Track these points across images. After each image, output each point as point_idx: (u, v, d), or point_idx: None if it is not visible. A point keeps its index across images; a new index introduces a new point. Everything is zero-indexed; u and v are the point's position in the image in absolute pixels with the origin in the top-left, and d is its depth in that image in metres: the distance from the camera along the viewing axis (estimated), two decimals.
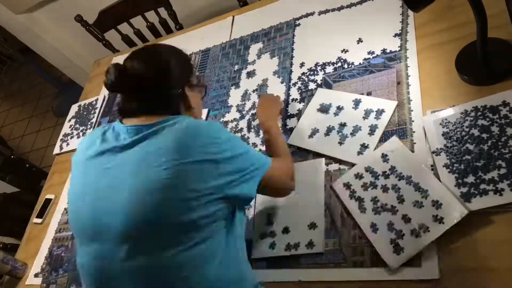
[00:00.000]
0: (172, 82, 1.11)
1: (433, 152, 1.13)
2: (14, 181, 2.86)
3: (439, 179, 1.08)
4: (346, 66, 1.48)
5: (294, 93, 1.53)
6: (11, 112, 4.55)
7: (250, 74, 1.70)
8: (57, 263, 1.62)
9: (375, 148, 1.24)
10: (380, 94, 1.34)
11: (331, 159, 1.30)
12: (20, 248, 1.83)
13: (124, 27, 2.41)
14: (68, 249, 1.64)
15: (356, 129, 1.31)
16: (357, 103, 1.35)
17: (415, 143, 1.20)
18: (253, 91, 1.64)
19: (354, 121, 1.33)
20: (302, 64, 1.59)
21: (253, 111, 1.58)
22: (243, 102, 1.63)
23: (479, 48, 1.15)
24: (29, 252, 1.76)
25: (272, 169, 1.08)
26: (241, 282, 1.03)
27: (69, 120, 2.17)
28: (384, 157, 1.19)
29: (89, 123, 2.05)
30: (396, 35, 1.43)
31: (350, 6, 1.62)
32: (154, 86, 1.08)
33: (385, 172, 1.17)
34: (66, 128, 2.14)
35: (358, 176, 1.20)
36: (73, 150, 2.00)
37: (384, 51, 1.42)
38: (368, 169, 1.20)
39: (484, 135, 1.08)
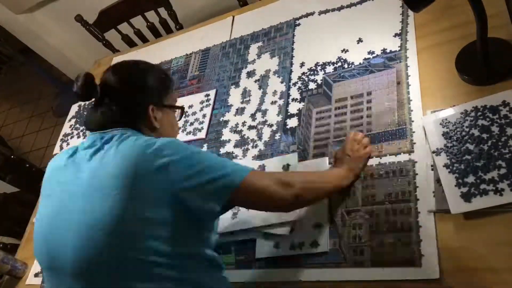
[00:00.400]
0: (136, 100, 1.11)
1: (433, 152, 1.13)
2: (14, 181, 2.86)
3: (439, 178, 1.08)
4: (346, 66, 1.48)
5: (294, 93, 1.53)
6: (11, 112, 4.54)
7: (250, 74, 1.70)
8: None
9: None
10: (380, 94, 1.34)
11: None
12: (20, 248, 1.83)
13: (124, 27, 2.41)
14: None
15: None
16: None
17: (415, 143, 1.20)
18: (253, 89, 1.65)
19: None
20: (302, 64, 1.59)
21: (253, 111, 1.58)
22: (243, 102, 1.63)
23: (479, 48, 1.15)
24: (29, 252, 1.76)
25: (249, 177, 0.99)
26: None
27: (69, 120, 2.17)
28: None
29: None
30: (396, 35, 1.43)
31: (350, 6, 1.62)
32: (118, 98, 1.09)
33: None
34: (66, 128, 2.14)
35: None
36: None
37: (384, 51, 1.42)
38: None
39: (484, 135, 1.08)
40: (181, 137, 1.66)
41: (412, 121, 1.24)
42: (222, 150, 1.54)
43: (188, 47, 2.01)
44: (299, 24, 1.72)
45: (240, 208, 1.29)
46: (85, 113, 2.12)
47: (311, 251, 1.18)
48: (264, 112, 1.55)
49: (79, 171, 1.02)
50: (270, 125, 1.50)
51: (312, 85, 1.51)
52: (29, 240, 1.82)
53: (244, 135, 1.54)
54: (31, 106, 4.41)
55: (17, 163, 2.94)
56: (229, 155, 1.52)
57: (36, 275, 1.66)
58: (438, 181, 1.08)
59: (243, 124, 1.57)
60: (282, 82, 1.59)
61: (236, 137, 1.55)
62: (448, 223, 1.04)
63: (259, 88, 1.63)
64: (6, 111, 4.60)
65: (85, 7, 2.53)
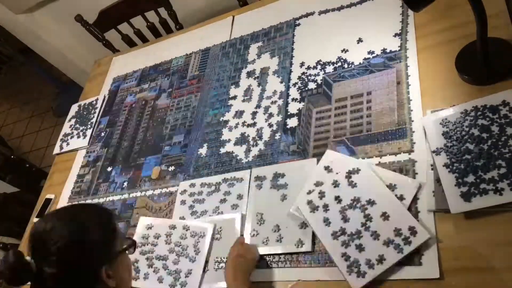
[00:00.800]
0: (83, 272, 0.89)
1: (433, 152, 1.13)
2: (14, 181, 2.86)
3: (439, 178, 1.08)
4: (346, 65, 1.48)
5: (294, 93, 1.53)
6: (11, 112, 4.54)
7: (250, 74, 1.70)
8: None
9: None
10: (380, 94, 1.34)
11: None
12: (20, 248, 1.83)
13: (124, 27, 2.41)
14: None
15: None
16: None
17: (414, 143, 1.20)
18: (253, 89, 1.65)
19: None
20: (302, 64, 1.59)
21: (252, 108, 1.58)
22: (243, 102, 1.63)
23: (479, 48, 1.15)
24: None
25: None
26: None
27: (69, 120, 2.17)
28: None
29: (89, 123, 2.05)
30: (396, 34, 1.43)
31: (350, 5, 1.62)
32: (61, 280, 0.87)
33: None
34: (66, 128, 2.14)
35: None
36: (73, 150, 2.00)
37: (384, 50, 1.42)
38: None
39: (484, 135, 1.08)
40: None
41: (412, 121, 1.24)
42: (222, 150, 1.54)
43: (188, 47, 2.01)
44: (299, 24, 1.72)
45: None
46: (85, 113, 2.12)
47: (295, 250, 1.19)
48: (264, 112, 1.55)
49: None
50: (270, 125, 1.50)
51: (312, 85, 1.51)
52: None
53: (244, 135, 1.54)
54: (31, 106, 4.41)
55: (17, 163, 2.94)
56: (229, 155, 1.52)
57: None
58: (438, 180, 1.08)
59: (243, 124, 1.57)
60: (281, 82, 1.59)
61: (236, 137, 1.55)
62: (448, 223, 1.04)
63: (259, 88, 1.63)
64: (6, 111, 4.60)
65: (85, 7, 2.53)
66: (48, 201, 1.87)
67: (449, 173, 1.07)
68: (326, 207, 1.19)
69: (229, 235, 1.32)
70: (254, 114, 1.57)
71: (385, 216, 1.10)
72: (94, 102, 2.14)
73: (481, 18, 1.06)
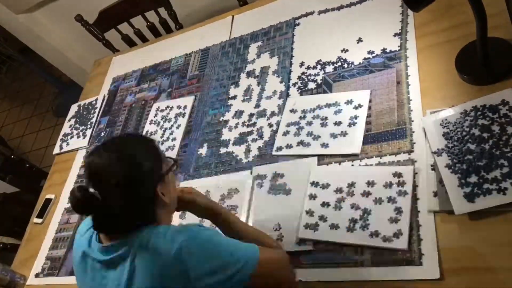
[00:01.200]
0: (144, 189, 1.00)
1: (434, 153, 1.13)
2: (14, 181, 2.86)
3: (441, 179, 1.08)
4: (346, 65, 1.48)
5: (294, 93, 1.53)
6: (11, 112, 4.54)
7: (250, 74, 1.70)
8: None
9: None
10: (380, 94, 1.34)
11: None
12: (20, 248, 1.83)
13: (124, 27, 2.41)
14: None
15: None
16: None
17: (414, 143, 1.20)
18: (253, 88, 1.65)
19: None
20: (301, 64, 1.59)
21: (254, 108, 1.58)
22: (243, 101, 1.63)
23: (479, 47, 1.15)
24: (29, 252, 1.76)
25: (261, 264, 0.99)
26: None
27: (69, 120, 2.17)
28: None
29: (89, 122, 2.05)
30: (396, 34, 1.43)
31: (350, 5, 1.62)
32: (125, 197, 0.97)
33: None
34: (66, 128, 2.14)
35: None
36: (73, 150, 2.00)
37: (384, 50, 1.42)
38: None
39: (485, 135, 1.08)
40: None
41: (412, 121, 1.24)
42: (222, 150, 1.54)
43: (188, 47, 2.01)
44: (298, 24, 1.72)
45: None
46: (84, 113, 2.12)
47: (297, 249, 1.19)
48: (264, 112, 1.55)
49: (101, 279, 1.01)
50: (270, 125, 1.50)
51: (311, 85, 1.51)
52: (29, 240, 1.82)
53: (244, 134, 1.54)
54: (31, 106, 4.41)
55: (17, 163, 2.94)
56: (230, 155, 1.52)
57: (36, 275, 1.66)
58: (440, 181, 1.08)
59: (243, 123, 1.57)
60: (281, 82, 1.59)
61: (236, 136, 1.55)
62: (449, 223, 1.04)
63: (259, 88, 1.63)
64: (6, 111, 4.60)
65: (85, 7, 2.53)
66: (48, 201, 1.87)
67: (452, 173, 1.07)
68: None
69: None
70: (253, 114, 1.57)
71: None
72: (94, 102, 2.14)
73: (481, 18, 1.06)
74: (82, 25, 2.35)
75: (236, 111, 1.62)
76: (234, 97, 1.67)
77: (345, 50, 1.52)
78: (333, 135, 1.35)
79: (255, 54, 1.74)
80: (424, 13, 1.13)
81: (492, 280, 0.94)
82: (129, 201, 0.97)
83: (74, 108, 2.22)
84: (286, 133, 1.43)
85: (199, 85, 1.82)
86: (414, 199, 1.11)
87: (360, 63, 1.45)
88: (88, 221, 1.10)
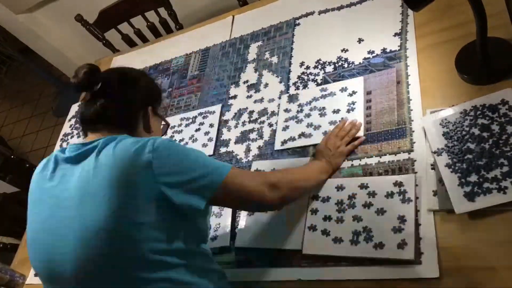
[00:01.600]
0: (137, 96, 1.13)
1: (434, 152, 1.13)
2: (14, 181, 2.85)
3: (441, 178, 1.08)
4: (346, 65, 1.48)
5: (294, 93, 1.53)
6: (11, 112, 4.54)
7: (250, 74, 1.70)
8: None
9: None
10: (380, 93, 1.34)
11: None
12: (20, 247, 1.83)
13: (124, 27, 2.41)
14: None
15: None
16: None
17: (414, 142, 1.20)
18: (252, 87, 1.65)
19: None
20: (301, 64, 1.59)
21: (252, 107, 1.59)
22: (243, 101, 1.64)
23: (479, 47, 1.15)
24: None
25: (231, 176, 1.01)
26: None
27: (69, 120, 2.17)
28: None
29: None
30: (396, 34, 1.43)
31: (350, 5, 1.62)
32: (119, 95, 1.10)
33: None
34: (66, 128, 2.14)
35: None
36: None
37: (384, 50, 1.42)
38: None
39: (485, 134, 1.08)
40: None
41: (412, 121, 1.24)
42: (223, 150, 1.54)
43: (188, 47, 2.01)
44: (299, 24, 1.72)
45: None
46: None
47: (288, 248, 1.19)
48: (264, 111, 1.55)
49: (66, 177, 1.02)
50: (270, 124, 1.50)
51: (311, 85, 1.51)
52: None
53: (244, 134, 1.54)
54: (31, 106, 4.41)
55: (17, 163, 2.93)
56: (230, 154, 1.52)
57: (36, 275, 1.66)
58: (440, 180, 1.08)
59: (243, 123, 1.57)
60: (281, 82, 1.59)
61: (236, 136, 1.55)
62: (448, 222, 1.04)
63: (259, 88, 1.63)
64: (6, 111, 4.60)
65: (85, 7, 2.54)
66: None
67: (452, 173, 1.07)
68: None
69: None
70: (254, 113, 1.57)
71: None
72: None
73: (481, 18, 1.06)
74: (82, 25, 2.36)
75: (236, 111, 1.63)
76: (235, 97, 1.67)
77: (345, 50, 1.52)
78: (333, 123, 1.36)
79: (255, 54, 1.75)
80: (424, 13, 1.14)
81: (492, 279, 0.94)
82: (123, 96, 1.10)
83: (74, 108, 2.22)
84: (285, 128, 1.44)
85: (200, 85, 1.82)
86: (416, 208, 1.10)
87: (360, 63, 1.45)
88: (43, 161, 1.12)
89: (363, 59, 1.45)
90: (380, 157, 1.23)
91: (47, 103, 4.27)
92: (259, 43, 1.77)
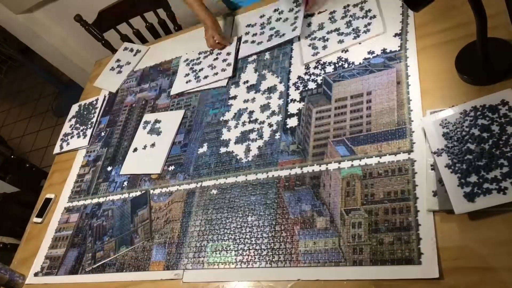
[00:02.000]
0: None
1: (434, 153, 1.13)
2: (14, 181, 2.86)
3: (441, 179, 1.08)
4: (346, 65, 1.48)
5: (294, 93, 1.53)
6: (11, 112, 4.55)
7: (250, 74, 1.70)
8: (99, 233, 1.62)
9: None
10: (380, 94, 1.34)
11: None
12: (20, 247, 1.83)
13: (123, 27, 2.41)
14: (109, 218, 1.64)
15: None
16: None
17: (414, 143, 1.20)
18: (253, 87, 1.65)
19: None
20: (302, 64, 1.59)
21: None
22: (243, 101, 1.64)
23: (479, 48, 1.15)
24: (29, 251, 1.76)
25: None
26: None
27: (70, 120, 2.17)
28: None
29: (89, 122, 2.06)
30: (396, 35, 1.44)
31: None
32: None
33: None
34: (66, 128, 2.14)
35: None
36: (73, 150, 2.01)
37: (384, 51, 1.42)
38: None
39: (485, 134, 1.08)
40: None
41: (412, 121, 1.24)
42: (222, 150, 1.55)
43: (188, 47, 2.01)
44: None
45: None
46: (85, 113, 2.13)
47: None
48: (264, 112, 1.55)
49: None
50: (270, 125, 1.50)
51: (312, 85, 1.51)
52: (29, 240, 1.82)
53: (244, 134, 1.54)
54: (31, 106, 4.41)
55: (17, 163, 2.94)
56: (230, 155, 1.52)
57: (35, 274, 1.66)
58: (440, 181, 1.08)
59: (243, 123, 1.57)
60: (281, 82, 1.59)
61: (236, 136, 1.55)
62: (448, 222, 1.04)
63: (259, 88, 1.63)
64: (6, 111, 4.60)
65: (84, 7, 2.54)
66: (48, 201, 1.87)
67: (451, 173, 1.07)
68: None
69: None
70: (253, 113, 1.57)
71: None
72: (95, 102, 2.14)
73: (481, 18, 1.06)
74: (82, 25, 2.36)
75: (236, 111, 1.63)
76: (235, 97, 1.67)
77: (345, 50, 1.52)
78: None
79: (255, 54, 1.75)
80: (424, 13, 1.14)
81: (492, 280, 0.94)
82: None
83: (74, 108, 2.22)
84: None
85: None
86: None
87: (360, 63, 1.45)
88: None
89: (363, 59, 1.45)
90: (380, 158, 1.23)
91: (47, 103, 4.28)
92: None
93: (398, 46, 1.40)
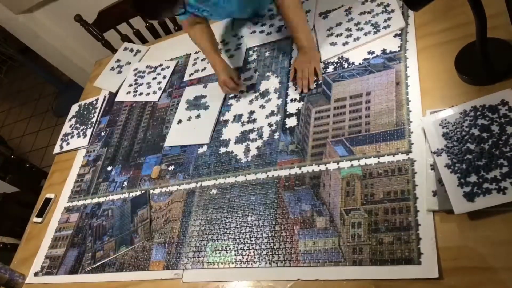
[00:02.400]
0: None
1: (433, 153, 1.13)
2: (14, 181, 2.85)
3: (441, 178, 1.08)
4: (346, 66, 1.48)
5: (293, 93, 1.53)
6: (11, 112, 4.55)
7: (250, 74, 1.70)
8: (99, 232, 1.63)
9: None
10: (379, 94, 1.34)
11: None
12: (20, 247, 1.83)
13: (123, 27, 2.41)
14: (109, 217, 1.65)
15: None
16: None
17: (413, 143, 1.20)
18: (252, 87, 1.65)
19: None
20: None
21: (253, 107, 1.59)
22: (243, 101, 1.64)
23: (479, 48, 1.15)
24: (29, 251, 1.76)
25: None
26: None
27: (70, 120, 2.17)
28: None
29: (89, 122, 2.06)
30: (396, 35, 1.44)
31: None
32: None
33: None
34: (66, 128, 2.15)
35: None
36: (74, 150, 2.01)
37: (384, 51, 1.42)
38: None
39: (485, 134, 1.08)
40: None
41: (411, 122, 1.24)
42: (222, 150, 1.55)
43: (188, 47, 2.01)
44: None
45: None
46: (85, 113, 2.13)
47: None
48: (264, 111, 1.55)
49: None
50: (270, 125, 1.50)
51: (311, 85, 1.51)
52: (29, 239, 1.82)
53: (244, 134, 1.54)
54: (31, 106, 4.41)
55: (17, 163, 2.94)
56: (229, 155, 1.52)
57: (35, 274, 1.66)
58: (440, 181, 1.08)
59: (243, 123, 1.57)
60: (281, 82, 1.59)
61: (236, 136, 1.55)
62: (448, 222, 1.04)
63: (259, 88, 1.64)
64: (6, 111, 4.60)
65: (84, 7, 2.54)
66: (48, 201, 1.87)
67: (451, 173, 1.07)
68: None
69: None
70: (253, 113, 1.58)
71: None
72: (95, 102, 2.14)
73: (480, 18, 1.06)
74: (82, 25, 2.36)
75: (236, 111, 1.63)
76: (234, 97, 1.67)
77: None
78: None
79: (256, 54, 1.75)
80: (424, 13, 1.14)
81: (491, 280, 0.94)
82: None
83: (74, 108, 2.22)
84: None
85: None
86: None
87: (360, 64, 1.45)
88: None
89: (363, 59, 1.45)
90: (379, 158, 1.23)
91: (47, 103, 4.28)
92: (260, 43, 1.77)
93: (398, 47, 1.40)
